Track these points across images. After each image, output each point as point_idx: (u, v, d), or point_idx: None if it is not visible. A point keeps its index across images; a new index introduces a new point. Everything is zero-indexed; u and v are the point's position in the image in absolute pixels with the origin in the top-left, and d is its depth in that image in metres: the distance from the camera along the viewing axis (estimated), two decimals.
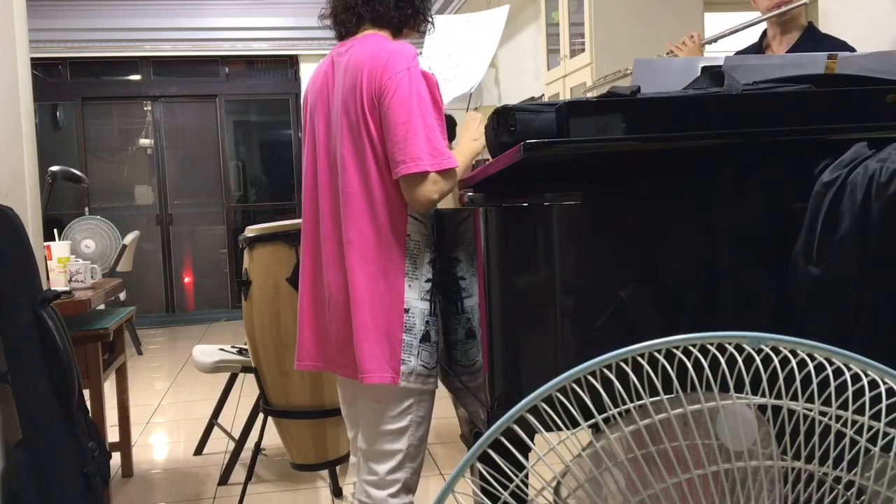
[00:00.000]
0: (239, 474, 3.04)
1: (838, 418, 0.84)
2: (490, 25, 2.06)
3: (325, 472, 2.97)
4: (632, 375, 0.85)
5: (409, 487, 1.71)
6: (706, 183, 1.32)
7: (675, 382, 0.84)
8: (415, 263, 1.66)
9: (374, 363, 1.62)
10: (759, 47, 2.55)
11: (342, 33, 1.77)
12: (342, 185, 1.66)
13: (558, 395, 0.85)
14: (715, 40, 2.61)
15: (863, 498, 0.87)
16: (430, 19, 1.81)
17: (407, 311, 1.64)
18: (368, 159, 1.63)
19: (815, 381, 0.84)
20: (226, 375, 3.28)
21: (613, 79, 2.62)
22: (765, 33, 2.56)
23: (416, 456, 1.71)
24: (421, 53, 2.07)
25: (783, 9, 2.37)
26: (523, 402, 0.85)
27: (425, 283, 1.67)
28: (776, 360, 0.85)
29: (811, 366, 0.85)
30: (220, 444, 3.48)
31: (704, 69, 1.50)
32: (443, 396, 1.77)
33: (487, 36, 2.04)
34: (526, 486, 0.90)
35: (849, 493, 0.87)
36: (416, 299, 1.65)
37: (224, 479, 3.10)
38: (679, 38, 2.62)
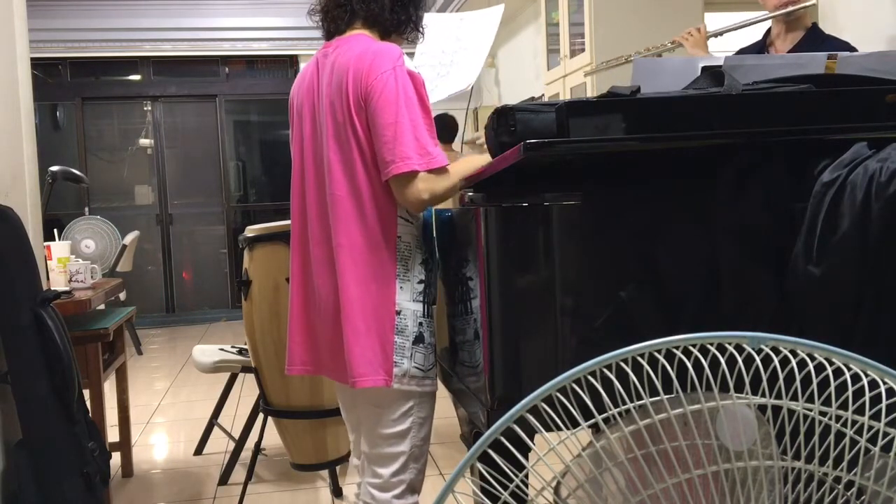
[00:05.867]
0: (239, 474, 3.04)
1: (838, 418, 0.84)
2: (485, 24, 2.05)
3: (325, 472, 2.97)
4: (632, 375, 0.85)
5: (413, 488, 1.70)
6: (706, 183, 1.32)
7: (675, 382, 0.84)
8: (406, 265, 1.64)
9: (366, 367, 1.60)
10: (762, 45, 2.56)
11: (331, 30, 1.74)
12: (329, 187, 1.64)
13: (558, 395, 0.85)
14: (720, 34, 2.61)
15: (863, 498, 0.87)
16: (420, 29, 1.78)
17: (398, 313, 1.62)
18: (356, 161, 1.61)
19: (815, 381, 0.84)
20: (226, 375, 3.28)
21: (616, 63, 2.59)
22: (769, 31, 2.57)
23: (419, 457, 1.70)
24: (414, 51, 2.06)
25: (790, 8, 2.39)
26: (523, 402, 0.85)
27: (417, 284, 1.65)
28: (776, 360, 0.85)
29: (811, 366, 0.85)
30: (220, 444, 3.48)
31: (704, 69, 1.50)
32: (443, 396, 1.76)
33: (482, 34, 2.04)
34: (526, 486, 0.90)
35: (849, 493, 0.87)
36: (407, 301, 1.63)
37: (224, 479, 3.10)
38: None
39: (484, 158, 1.65)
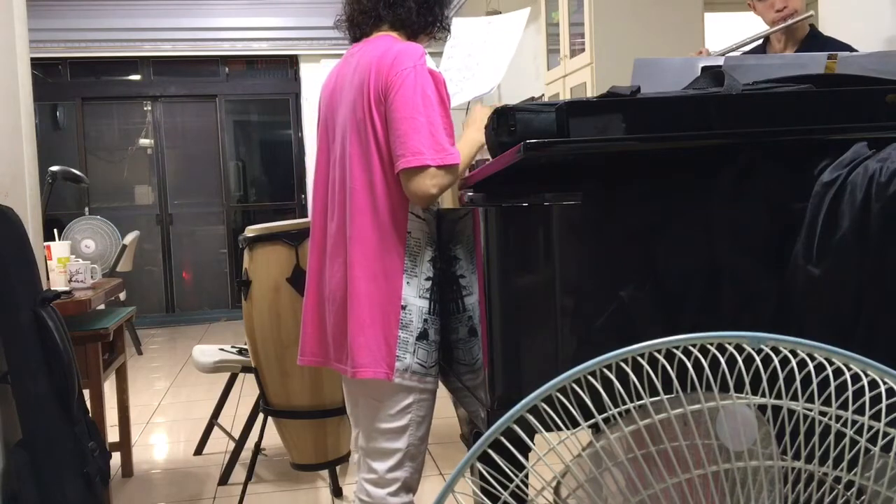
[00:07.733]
0: (239, 474, 3.04)
1: (838, 418, 0.84)
2: (511, 27, 2.06)
3: (325, 472, 2.97)
4: (632, 375, 0.85)
5: (409, 486, 1.71)
6: (706, 183, 1.32)
7: (675, 382, 0.84)
8: (414, 261, 1.66)
9: (368, 358, 1.63)
10: (762, 51, 2.57)
11: (357, 35, 1.79)
12: (349, 181, 1.68)
13: (558, 395, 0.85)
14: (724, 55, 2.61)
15: (863, 498, 0.87)
16: (447, 28, 1.83)
17: (404, 307, 1.64)
18: (373, 156, 1.64)
19: (815, 381, 0.84)
20: (226, 375, 3.28)
21: None
22: (768, 38, 2.58)
23: (416, 455, 1.71)
24: (441, 52, 2.08)
25: (788, 22, 2.40)
26: (523, 402, 0.85)
27: (424, 280, 1.67)
28: (776, 360, 0.85)
29: (811, 366, 0.85)
30: (220, 444, 3.48)
31: (704, 69, 1.50)
32: (443, 396, 1.76)
33: (507, 37, 2.05)
34: (526, 486, 0.90)
35: (849, 493, 0.87)
36: (413, 296, 1.65)
37: (224, 479, 3.10)
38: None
39: (476, 133, 1.71)
